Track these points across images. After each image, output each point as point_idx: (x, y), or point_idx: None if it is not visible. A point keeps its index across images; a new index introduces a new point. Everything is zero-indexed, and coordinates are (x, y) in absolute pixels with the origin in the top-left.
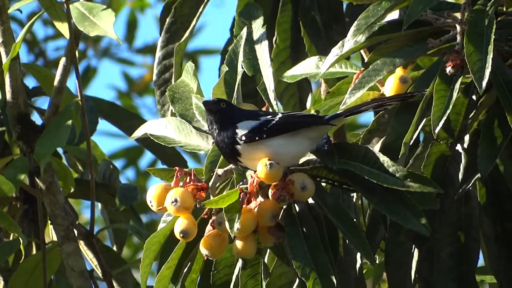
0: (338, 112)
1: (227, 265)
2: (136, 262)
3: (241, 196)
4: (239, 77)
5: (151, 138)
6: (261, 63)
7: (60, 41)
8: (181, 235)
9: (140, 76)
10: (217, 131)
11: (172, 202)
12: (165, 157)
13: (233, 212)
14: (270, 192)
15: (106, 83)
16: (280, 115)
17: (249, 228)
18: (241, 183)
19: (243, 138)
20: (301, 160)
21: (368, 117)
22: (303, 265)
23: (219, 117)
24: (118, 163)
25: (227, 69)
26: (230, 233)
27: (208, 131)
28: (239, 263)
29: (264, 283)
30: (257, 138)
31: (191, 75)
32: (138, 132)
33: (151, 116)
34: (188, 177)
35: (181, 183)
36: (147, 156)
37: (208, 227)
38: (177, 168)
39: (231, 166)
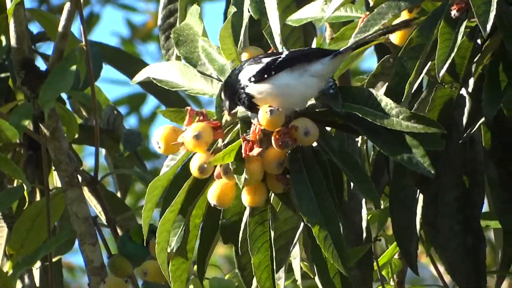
0: (345, 47)
1: (234, 213)
2: (140, 208)
3: (244, 145)
4: (245, 20)
5: (154, 82)
6: (267, 6)
7: None
8: (199, 171)
9: (143, 22)
10: (229, 101)
11: (195, 135)
12: (169, 102)
13: (239, 163)
14: (273, 138)
15: (109, 30)
16: (286, 52)
17: (257, 177)
18: (245, 133)
19: (252, 79)
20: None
21: (371, 63)
22: (309, 211)
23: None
24: (120, 110)
25: (235, 9)
26: (239, 184)
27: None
28: (247, 211)
29: (272, 230)
30: (265, 76)
31: (196, 18)
32: (140, 76)
33: (154, 62)
34: (201, 117)
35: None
36: (150, 103)
37: (216, 172)
38: (188, 108)
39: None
